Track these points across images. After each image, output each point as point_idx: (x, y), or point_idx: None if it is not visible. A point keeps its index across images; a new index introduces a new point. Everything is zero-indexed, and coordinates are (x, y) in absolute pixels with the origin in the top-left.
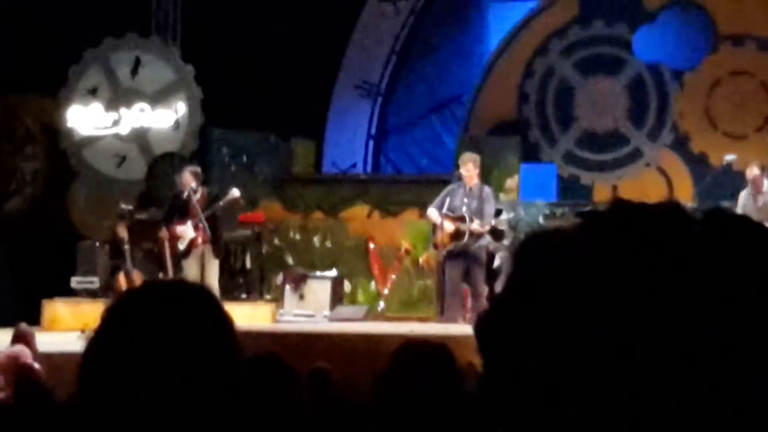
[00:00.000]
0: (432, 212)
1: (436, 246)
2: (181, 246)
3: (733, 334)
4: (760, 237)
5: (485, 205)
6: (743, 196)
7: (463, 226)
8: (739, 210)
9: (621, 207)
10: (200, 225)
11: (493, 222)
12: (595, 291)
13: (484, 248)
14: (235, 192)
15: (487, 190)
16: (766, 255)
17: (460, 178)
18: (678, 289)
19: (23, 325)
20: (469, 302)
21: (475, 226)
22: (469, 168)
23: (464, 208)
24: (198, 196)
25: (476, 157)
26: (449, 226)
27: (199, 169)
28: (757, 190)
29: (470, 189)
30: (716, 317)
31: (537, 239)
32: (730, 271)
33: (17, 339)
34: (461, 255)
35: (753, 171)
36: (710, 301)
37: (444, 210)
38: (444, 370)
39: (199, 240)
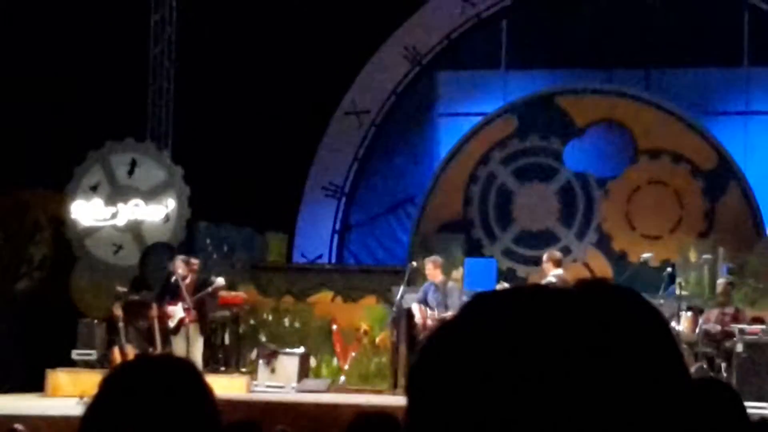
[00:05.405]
0: (414, 307)
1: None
2: (171, 324)
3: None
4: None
5: (447, 298)
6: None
7: (429, 315)
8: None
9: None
10: (189, 307)
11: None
12: (494, 372)
13: None
14: (221, 281)
15: (451, 284)
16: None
17: (413, 270)
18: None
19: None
20: None
21: (435, 315)
22: (429, 268)
23: (434, 303)
24: (188, 281)
25: (436, 258)
26: (419, 318)
27: (189, 259)
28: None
29: (437, 285)
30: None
31: (441, 331)
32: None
33: None
34: None
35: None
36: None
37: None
38: None
39: (187, 319)
